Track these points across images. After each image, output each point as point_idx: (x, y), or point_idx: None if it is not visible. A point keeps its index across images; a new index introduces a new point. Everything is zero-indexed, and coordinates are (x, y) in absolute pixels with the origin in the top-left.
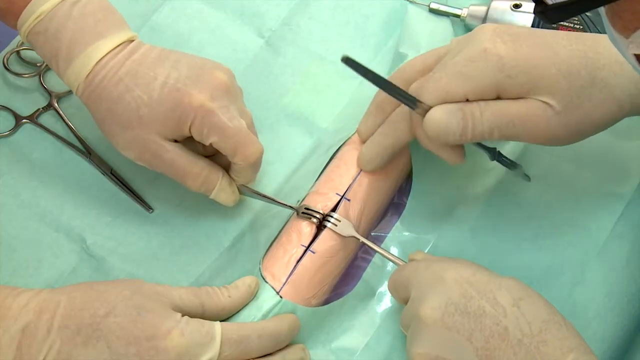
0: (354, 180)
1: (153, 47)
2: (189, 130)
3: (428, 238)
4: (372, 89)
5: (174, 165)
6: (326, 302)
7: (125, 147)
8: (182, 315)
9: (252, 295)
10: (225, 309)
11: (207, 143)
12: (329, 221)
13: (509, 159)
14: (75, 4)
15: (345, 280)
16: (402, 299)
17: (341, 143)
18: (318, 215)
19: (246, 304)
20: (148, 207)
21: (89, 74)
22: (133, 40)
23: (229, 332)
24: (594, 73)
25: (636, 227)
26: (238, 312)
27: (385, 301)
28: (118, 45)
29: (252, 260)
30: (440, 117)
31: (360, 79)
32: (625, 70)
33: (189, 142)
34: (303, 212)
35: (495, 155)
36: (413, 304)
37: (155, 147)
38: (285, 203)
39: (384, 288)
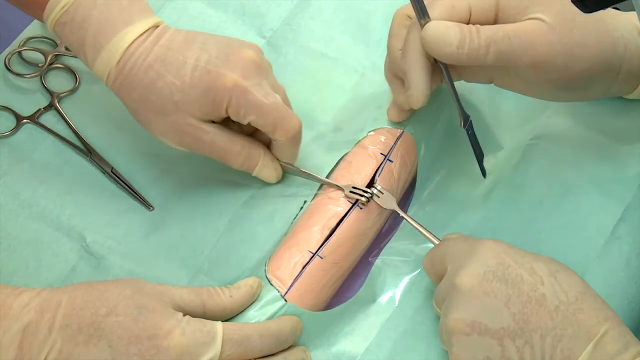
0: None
1: (179, 30)
2: (226, 111)
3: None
4: (372, 86)
5: (214, 146)
6: (328, 306)
7: (163, 133)
8: (184, 315)
9: (254, 296)
10: (226, 309)
11: (245, 122)
12: (372, 192)
13: (477, 139)
14: None
15: (347, 285)
16: (438, 275)
17: (346, 145)
18: (367, 195)
19: (248, 305)
20: (148, 205)
21: (118, 62)
22: (158, 26)
23: (230, 332)
24: None
25: (636, 230)
26: (242, 313)
27: (386, 306)
28: (145, 32)
29: (254, 258)
30: (438, 26)
31: (360, 72)
32: (619, 15)
33: (228, 122)
34: (350, 191)
35: (467, 123)
36: (450, 276)
37: (194, 131)
38: (331, 182)
39: (385, 294)
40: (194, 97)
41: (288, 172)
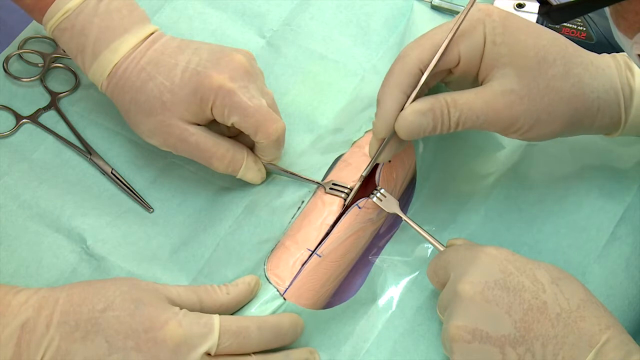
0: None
1: (173, 37)
2: (211, 112)
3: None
4: (370, 87)
5: (199, 148)
6: (328, 305)
7: (150, 134)
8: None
9: (252, 294)
10: (223, 305)
11: (228, 123)
12: (375, 195)
13: None
14: (101, 1)
15: (347, 284)
16: (441, 283)
17: (343, 145)
18: (346, 191)
19: (245, 302)
20: (148, 207)
21: (113, 67)
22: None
23: (227, 323)
24: (569, 66)
25: (636, 230)
26: (240, 311)
27: (386, 307)
28: (141, 40)
29: (253, 259)
30: (413, 120)
31: (361, 75)
32: (599, 75)
33: (212, 126)
34: (331, 188)
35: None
36: (452, 283)
37: (180, 132)
38: (311, 179)
39: (385, 294)
40: (182, 97)
41: (271, 171)
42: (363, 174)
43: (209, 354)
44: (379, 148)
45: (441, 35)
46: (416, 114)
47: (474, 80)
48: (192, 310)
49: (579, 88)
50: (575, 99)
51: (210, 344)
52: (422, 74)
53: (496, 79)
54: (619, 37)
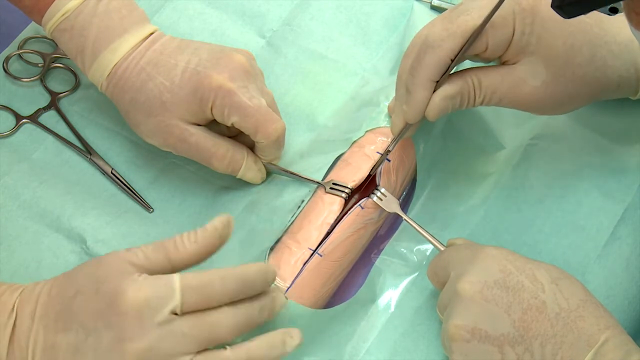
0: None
1: (173, 37)
2: (211, 112)
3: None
4: (372, 86)
5: (199, 148)
6: (328, 305)
7: (149, 134)
8: (150, 275)
9: (222, 239)
10: (191, 254)
11: (228, 123)
12: (375, 194)
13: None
14: (100, 1)
15: (348, 283)
16: (441, 283)
17: (342, 144)
18: (347, 191)
19: (215, 248)
20: (148, 207)
21: (113, 67)
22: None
23: (188, 280)
24: (594, 50)
25: (636, 230)
26: None
27: (386, 307)
28: (140, 40)
29: (252, 257)
30: (443, 105)
31: (360, 75)
32: (622, 53)
33: (212, 126)
34: (331, 188)
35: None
36: (452, 283)
37: (179, 132)
38: (312, 179)
39: (385, 294)
40: (182, 97)
41: (271, 171)
42: (390, 149)
43: (175, 314)
44: (403, 128)
45: (472, 22)
46: (446, 99)
47: (499, 59)
48: (162, 270)
49: (602, 72)
50: (597, 81)
51: (173, 303)
52: (452, 62)
53: (522, 64)
54: (633, 31)
